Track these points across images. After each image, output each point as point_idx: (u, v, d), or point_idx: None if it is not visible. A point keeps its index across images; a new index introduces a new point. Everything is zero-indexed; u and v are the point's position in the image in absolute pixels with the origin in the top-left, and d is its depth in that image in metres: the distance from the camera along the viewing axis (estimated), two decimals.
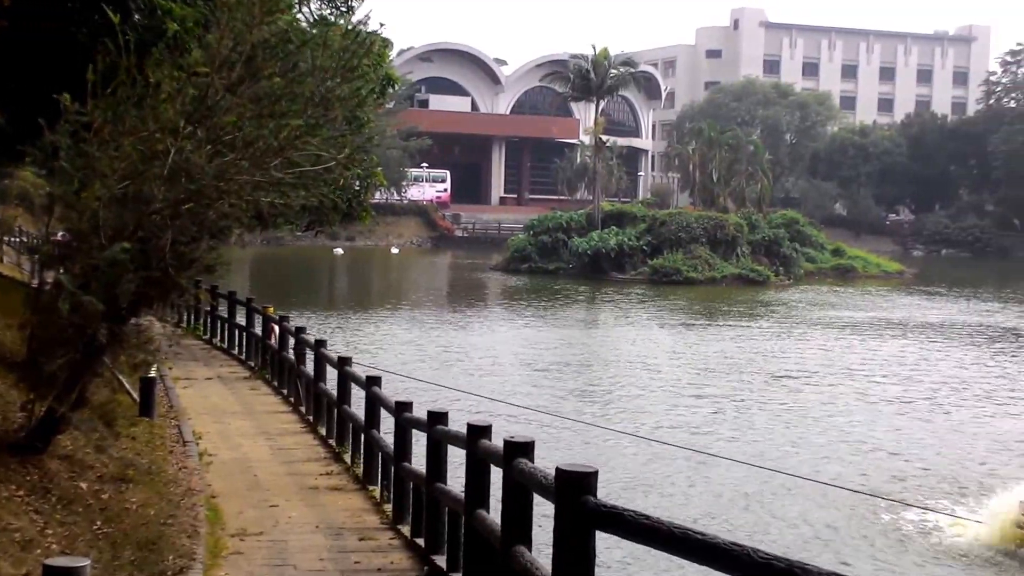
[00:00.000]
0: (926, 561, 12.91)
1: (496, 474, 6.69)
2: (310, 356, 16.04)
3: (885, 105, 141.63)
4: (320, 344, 15.55)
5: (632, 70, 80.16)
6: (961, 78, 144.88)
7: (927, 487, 16.25)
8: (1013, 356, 33.37)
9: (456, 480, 8.27)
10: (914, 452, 18.87)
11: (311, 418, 15.62)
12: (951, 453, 18.88)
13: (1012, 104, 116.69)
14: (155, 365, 14.41)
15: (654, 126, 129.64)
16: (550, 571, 5.28)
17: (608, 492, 13.33)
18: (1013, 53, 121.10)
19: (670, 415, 21.74)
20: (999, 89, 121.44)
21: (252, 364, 20.99)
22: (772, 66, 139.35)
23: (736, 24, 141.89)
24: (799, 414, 22.22)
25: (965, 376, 28.50)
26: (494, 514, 6.82)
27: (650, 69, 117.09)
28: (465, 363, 28.30)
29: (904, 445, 19.46)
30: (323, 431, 14.70)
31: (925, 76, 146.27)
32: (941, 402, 24.40)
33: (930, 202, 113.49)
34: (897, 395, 25.14)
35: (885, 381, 27.25)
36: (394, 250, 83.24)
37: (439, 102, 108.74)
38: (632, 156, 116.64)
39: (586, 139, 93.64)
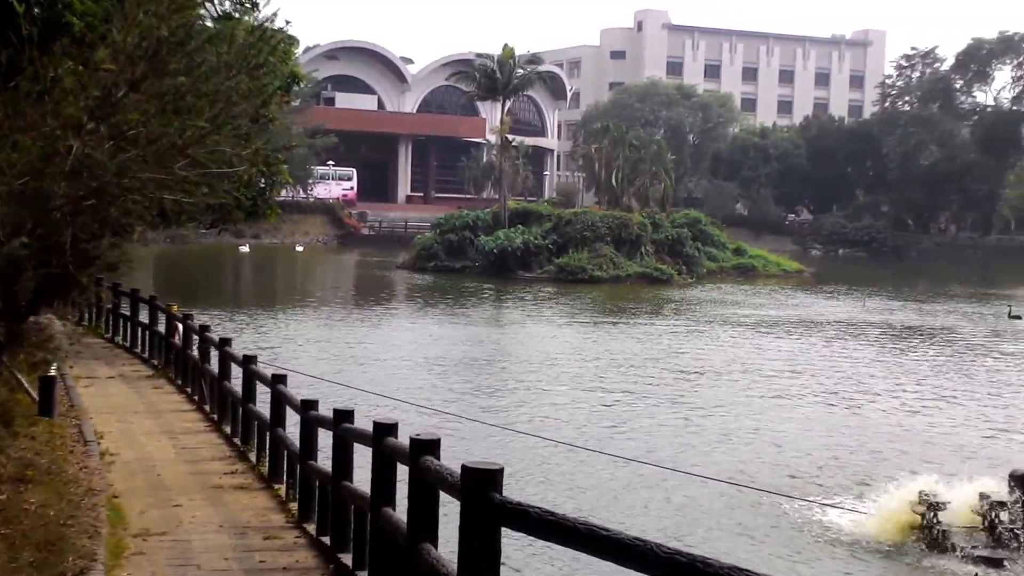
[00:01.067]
0: (817, 553, 13.24)
1: (403, 472, 6.72)
2: (215, 354, 15.90)
3: (785, 107, 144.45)
4: (224, 342, 15.42)
5: (537, 70, 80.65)
6: (857, 81, 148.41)
7: (822, 481, 16.66)
8: (909, 353, 34.30)
9: (362, 478, 8.31)
10: (810, 446, 19.30)
11: (216, 417, 15.49)
12: (845, 447, 19.35)
13: (906, 107, 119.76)
14: (55, 363, 14.21)
15: (560, 126, 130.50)
16: (455, 568, 5.32)
17: (514, 489, 13.46)
18: (907, 57, 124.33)
19: (575, 413, 21.97)
20: (894, 92, 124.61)
21: (155, 363, 20.73)
22: (675, 68, 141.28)
23: (640, 26, 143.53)
24: (699, 410, 22.60)
25: (862, 372, 29.23)
26: (400, 512, 6.86)
27: (555, 69, 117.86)
28: (372, 361, 28.25)
29: (799, 439, 19.89)
30: (228, 430, 14.59)
31: (823, 79, 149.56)
32: (838, 398, 24.98)
33: (828, 202, 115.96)
34: (794, 391, 25.69)
35: (783, 377, 27.83)
36: (299, 248, 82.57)
37: (346, 100, 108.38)
38: (538, 155, 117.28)
39: (493, 138, 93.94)
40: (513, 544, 10.29)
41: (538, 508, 4.78)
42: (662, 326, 39.25)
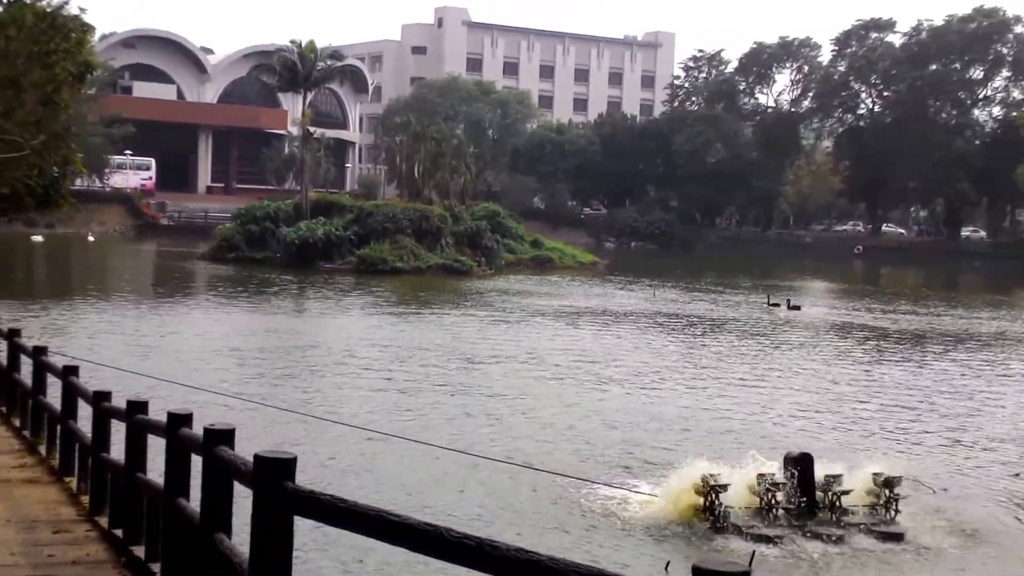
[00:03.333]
0: (606, 534, 13.65)
1: (197, 463, 6.71)
2: (2, 346, 15.35)
3: (580, 105, 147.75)
4: (14, 333, 14.91)
5: (339, 63, 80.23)
6: (648, 81, 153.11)
7: (612, 465, 17.22)
8: (695, 341, 35.69)
9: (157, 470, 8.25)
10: (601, 432, 19.89)
11: (3, 409, 14.96)
12: (635, 432, 20.01)
13: (694, 107, 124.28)
14: None
15: (361, 119, 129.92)
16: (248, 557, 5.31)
17: (313, 478, 13.52)
18: (694, 59, 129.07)
19: (376, 401, 22.07)
20: (682, 93, 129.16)
21: None
22: (475, 64, 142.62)
23: (440, 22, 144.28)
24: (496, 397, 23.00)
25: (650, 360, 30.23)
26: (195, 503, 6.85)
27: (357, 63, 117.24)
28: (169, 351, 27.64)
29: (592, 425, 20.46)
30: (17, 422, 14.11)
31: (616, 78, 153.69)
32: (629, 385, 25.77)
33: (621, 197, 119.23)
34: (588, 378, 26.41)
35: (577, 365, 28.55)
36: (90, 238, 79.69)
37: (144, 89, 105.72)
38: (340, 148, 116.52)
39: (294, 130, 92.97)
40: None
41: (330, 496, 4.83)
42: (461, 316, 39.72)
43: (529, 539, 12.00)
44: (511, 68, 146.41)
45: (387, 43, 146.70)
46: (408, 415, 20.70)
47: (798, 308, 47.72)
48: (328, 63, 76.67)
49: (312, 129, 78.98)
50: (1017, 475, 17.52)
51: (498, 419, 20.77)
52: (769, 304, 48.80)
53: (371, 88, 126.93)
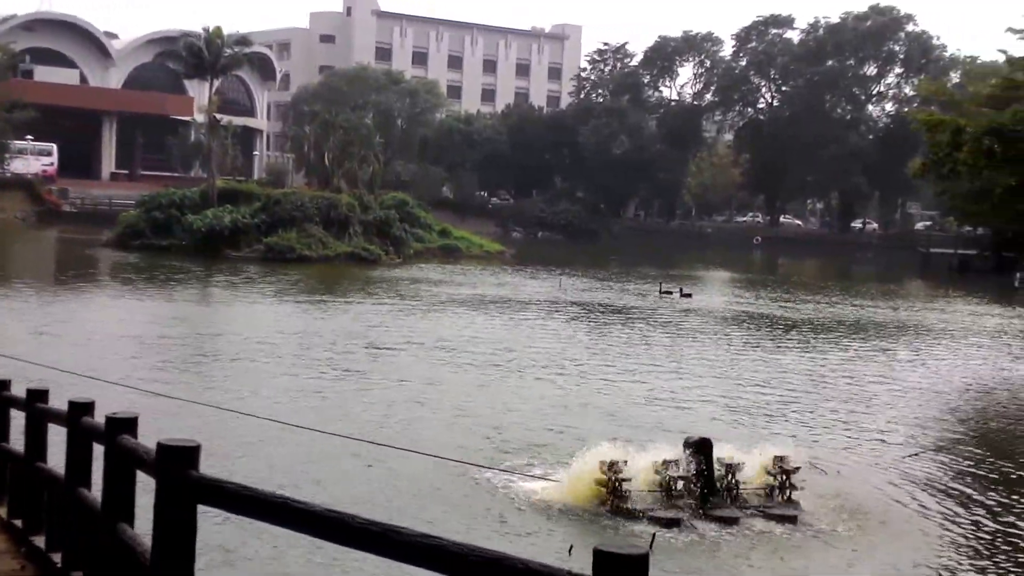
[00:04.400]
0: (510, 520, 13.79)
1: (100, 452, 6.67)
2: None
3: (488, 95, 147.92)
4: None
5: (246, 50, 79.30)
6: (555, 73, 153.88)
7: (516, 451, 17.38)
8: (598, 329, 36.06)
9: (59, 460, 8.20)
10: (507, 418, 20.04)
11: None
12: (539, 418, 20.20)
13: (600, 99, 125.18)
14: None
15: (269, 107, 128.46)
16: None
17: (221, 468, 13.45)
18: (600, 52, 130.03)
19: (280, 389, 21.95)
20: (588, 85, 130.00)
21: None
22: (384, 53, 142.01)
23: (349, 11, 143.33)
24: (403, 384, 23.02)
25: (555, 348, 30.48)
26: (97, 492, 6.81)
27: (265, 50, 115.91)
28: (71, 340, 27.13)
29: (497, 412, 20.60)
30: None
31: (524, 70, 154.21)
32: (534, 372, 25.96)
33: (529, 187, 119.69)
34: (494, 365, 26.57)
35: (485, 352, 28.70)
36: None
37: (46, 74, 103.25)
38: (248, 136, 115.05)
39: (201, 117, 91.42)
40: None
41: (235, 484, 4.85)
42: (370, 304, 39.62)
43: (433, 525, 12.12)
44: (420, 58, 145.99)
45: (295, 31, 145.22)
46: (315, 404, 20.66)
47: (690, 296, 48.61)
48: (235, 50, 75.71)
49: (219, 116, 77.87)
50: (906, 457, 18.10)
51: (406, 407, 20.82)
52: (661, 292, 49.60)
53: (279, 76, 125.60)
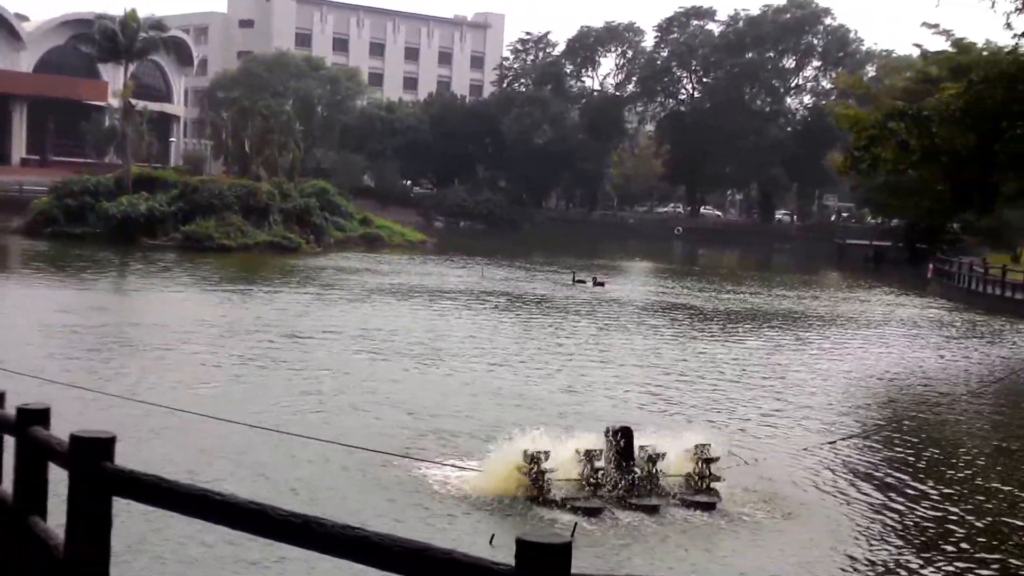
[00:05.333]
0: (432, 511, 13.75)
1: (11, 443, 6.53)
2: None
3: (410, 83, 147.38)
4: None
5: (162, 35, 78.12)
6: (478, 62, 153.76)
7: (438, 440, 17.35)
8: (521, 319, 36.16)
9: None
10: (426, 407, 19.96)
11: None
12: (461, 407, 20.19)
13: (522, 89, 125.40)
14: None
15: (187, 92, 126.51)
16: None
17: (139, 460, 13.22)
18: (522, 42, 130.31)
19: (197, 380, 21.68)
20: (511, 74, 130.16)
21: None
22: (304, 39, 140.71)
23: None
24: (323, 375, 22.89)
25: (477, 337, 30.50)
26: (8, 485, 6.67)
27: (182, 35, 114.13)
28: None
29: (418, 401, 20.52)
30: None
31: (446, 58, 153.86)
32: (456, 360, 25.96)
33: (451, 176, 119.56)
34: (415, 354, 26.47)
35: (406, 341, 28.59)
36: None
37: None
38: (164, 121, 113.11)
39: (115, 102, 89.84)
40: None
41: (151, 476, 4.78)
42: (290, 293, 39.28)
43: (355, 517, 12.05)
44: (341, 45, 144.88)
45: (213, 15, 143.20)
46: (232, 395, 20.43)
47: (602, 284, 49.00)
48: (151, 34, 74.59)
49: (134, 102, 76.58)
50: (825, 444, 18.41)
51: (327, 397, 20.68)
52: (575, 281, 49.95)
53: (196, 61, 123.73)
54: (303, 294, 39.75)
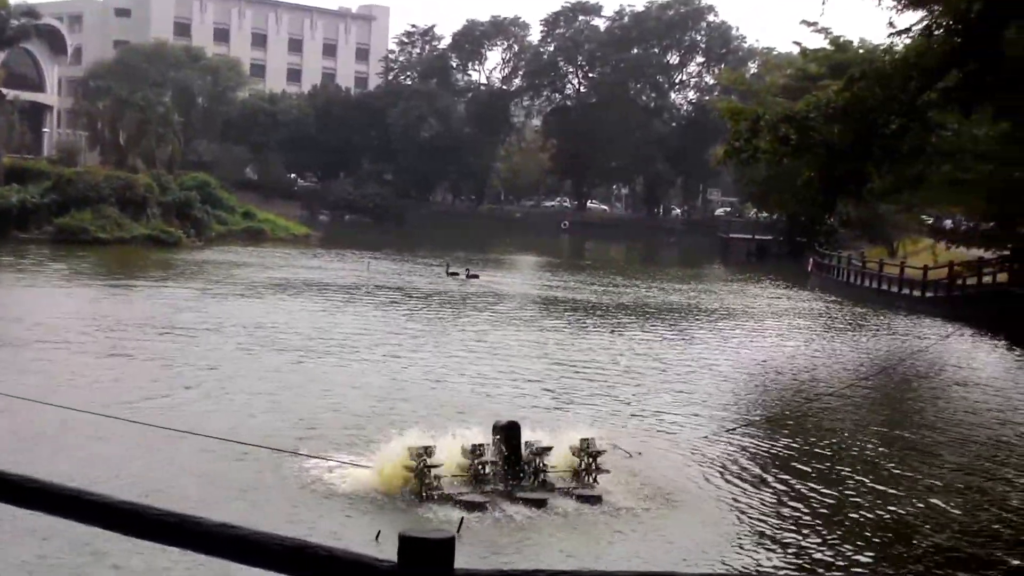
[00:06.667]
0: (317, 508, 13.56)
1: None
2: None
3: (294, 75, 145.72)
4: None
5: (35, 22, 75.97)
6: (363, 54, 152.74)
7: (323, 437, 17.11)
8: (404, 313, 35.97)
9: None
10: (311, 403, 19.70)
11: None
12: (346, 403, 19.93)
13: (408, 82, 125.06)
14: None
15: (60, 82, 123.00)
16: None
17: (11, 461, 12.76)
18: (408, 34, 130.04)
19: (73, 376, 21.06)
20: (396, 67, 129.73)
21: None
22: (183, 29, 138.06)
23: None
24: (206, 371, 22.45)
25: (362, 331, 30.29)
26: None
27: (55, 23, 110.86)
28: None
29: (302, 397, 20.24)
30: None
31: (330, 50, 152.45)
32: (340, 355, 25.70)
33: (336, 170, 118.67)
34: (300, 349, 26.17)
35: (291, 336, 28.24)
36: None
37: None
38: (36, 111, 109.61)
39: None
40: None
41: (18, 475, 4.61)
42: (168, 288, 38.51)
43: (236, 515, 11.78)
44: (221, 35, 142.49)
45: (88, 3, 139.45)
46: (110, 391, 19.88)
47: (476, 277, 49.12)
48: (22, 21, 72.53)
49: (5, 91, 74.40)
50: (708, 436, 18.67)
51: (208, 393, 20.28)
52: (448, 273, 50.01)
53: (71, 50, 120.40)
54: (184, 289, 38.97)
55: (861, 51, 25.29)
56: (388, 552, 3.50)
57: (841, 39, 34.37)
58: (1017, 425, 22.15)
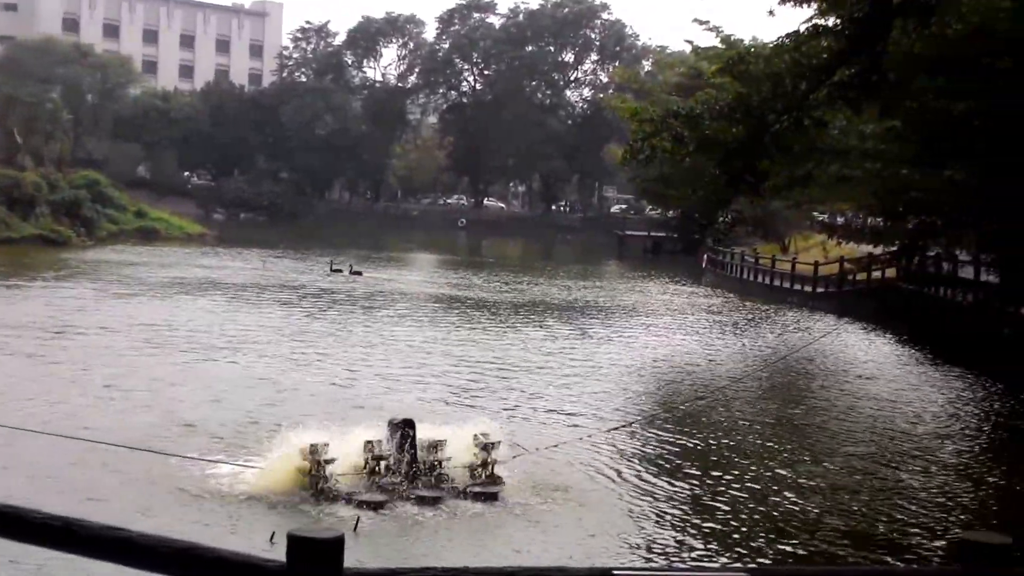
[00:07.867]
0: (208, 510, 13.33)
1: None
2: None
3: (186, 72, 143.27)
4: None
5: None
6: (257, 51, 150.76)
7: (214, 437, 16.86)
8: (299, 310, 35.65)
9: None
10: (203, 403, 19.39)
11: None
12: (239, 402, 19.63)
13: (303, 79, 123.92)
14: None
15: None
16: None
17: None
18: (302, 31, 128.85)
19: None
20: (291, 64, 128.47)
21: None
22: (72, 25, 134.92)
23: None
24: (92, 372, 21.95)
25: (256, 330, 29.91)
26: None
27: None
28: None
29: (193, 397, 19.92)
30: None
31: (224, 46, 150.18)
32: (233, 354, 25.36)
33: (230, 167, 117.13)
34: (191, 348, 25.78)
35: (182, 335, 27.80)
36: None
37: None
38: None
39: None
40: None
41: None
42: (59, 288, 37.59)
43: (124, 518, 11.54)
44: (111, 31, 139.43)
45: None
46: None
47: (359, 274, 48.99)
48: None
49: None
50: (607, 432, 18.84)
51: (96, 395, 19.84)
52: (332, 270, 49.79)
53: None
54: (74, 289, 38.09)
55: (752, 49, 25.79)
56: (283, 554, 3.50)
57: (732, 37, 34.93)
58: (905, 414, 22.80)
